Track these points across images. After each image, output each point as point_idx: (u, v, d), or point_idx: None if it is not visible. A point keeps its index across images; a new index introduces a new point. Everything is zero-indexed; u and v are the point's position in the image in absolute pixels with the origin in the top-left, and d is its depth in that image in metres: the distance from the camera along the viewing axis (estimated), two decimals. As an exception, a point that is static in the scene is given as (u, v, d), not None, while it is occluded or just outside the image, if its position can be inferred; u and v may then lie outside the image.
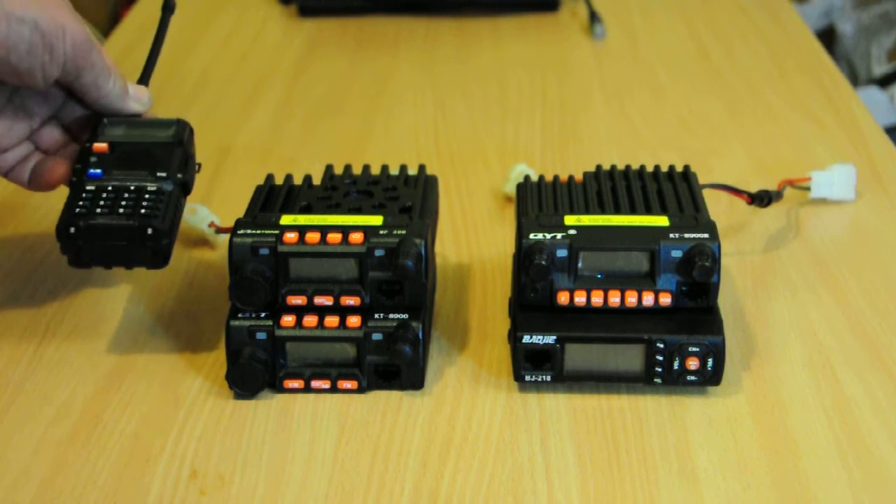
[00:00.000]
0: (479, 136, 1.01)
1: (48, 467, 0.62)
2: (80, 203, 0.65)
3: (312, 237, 0.66)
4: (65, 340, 0.72)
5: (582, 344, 0.65)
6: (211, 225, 0.81)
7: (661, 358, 0.65)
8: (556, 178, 0.75)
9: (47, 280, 0.79)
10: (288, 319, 0.66)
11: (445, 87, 1.12)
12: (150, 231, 0.64)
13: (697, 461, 0.61)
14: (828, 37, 1.89)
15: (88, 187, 0.66)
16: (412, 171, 0.76)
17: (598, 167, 0.76)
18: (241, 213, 0.70)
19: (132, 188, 0.66)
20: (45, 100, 0.71)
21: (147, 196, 0.66)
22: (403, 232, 0.66)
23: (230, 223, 0.68)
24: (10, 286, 0.78)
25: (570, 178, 0.75)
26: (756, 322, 0.73)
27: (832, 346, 0.71)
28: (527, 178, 0.75)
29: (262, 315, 0.66)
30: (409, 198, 0.71)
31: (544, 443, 0.63)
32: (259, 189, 0.73)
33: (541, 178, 0.75)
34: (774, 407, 0.65)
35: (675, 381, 0.66)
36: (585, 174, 0.75)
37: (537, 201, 0.71)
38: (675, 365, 0.65)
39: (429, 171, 0.77)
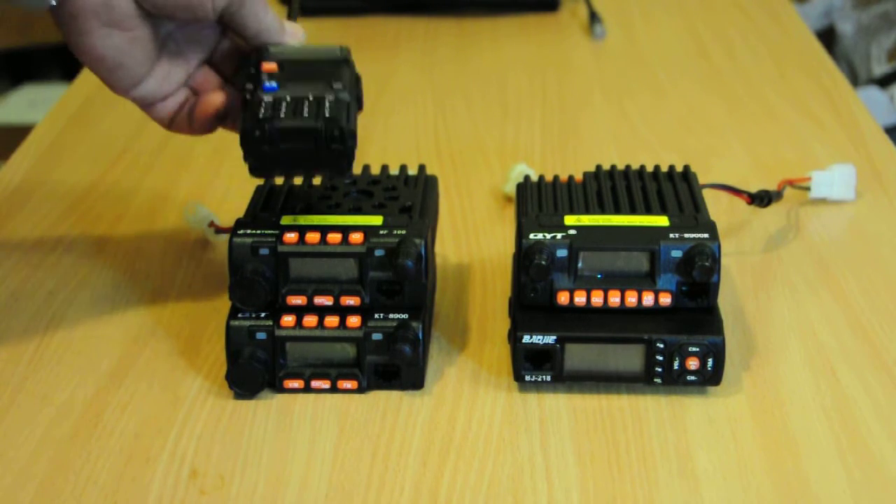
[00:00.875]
0: (479, 136, 1.01)
1: (48, 467, 0.62)
2: (262, 111, 0.63)
3: (312, 237, 0.66)
4: (65, 340, 0.72)
5: (582, 344, 0.65)
6: (211, 225, 0.81)
7: (661, 358, 0.65)
8: (556, 178, 0.75)
9: (47, 280, 0.79)
10: (288, 319, 0.66)
11: (445, 87, 1.12)
12: (336, 132, 0.63)
13: (697, 461, 0.61)
14: (828, 37, 1.89)
15: (266, 99, 0.64)
16: (412, 171, 0.76)
17: (598, 167, 0.76)
18: (241, 213, 0.70)
19: (310, 97, 0.64)
20: (198, 42, 0.70)
21: (328, 103, 0.64)
22: (403, 232, 0.66)
23: (230, 223, 0.68)
24: (10, 286, 0.78)
25: (570, 178, 0.75)
26: (756, 322, 0.73)
27: (832, 346, 0.71)
28: (527, 178, 0.75)
29: (262, 315, 0.66)
30: (409, 198, 0.71)
31: (544, 443, 0.63)
32: (259, 189, 0.73)
33: (541, 178, 0.75)
34: (774, 407, 0.65)
35: (675, 381, 0.66)
36: (585, 174, 0.75)
37: (537, 201, 0.71)
38: (675, 365, 0.65)
39: (429, 171, 0.77)
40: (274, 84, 0.65)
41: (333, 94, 0.65)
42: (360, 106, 0.68)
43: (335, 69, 0.67)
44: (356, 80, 0.68)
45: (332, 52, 0.69)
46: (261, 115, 0.63)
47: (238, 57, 0.71)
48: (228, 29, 0.70)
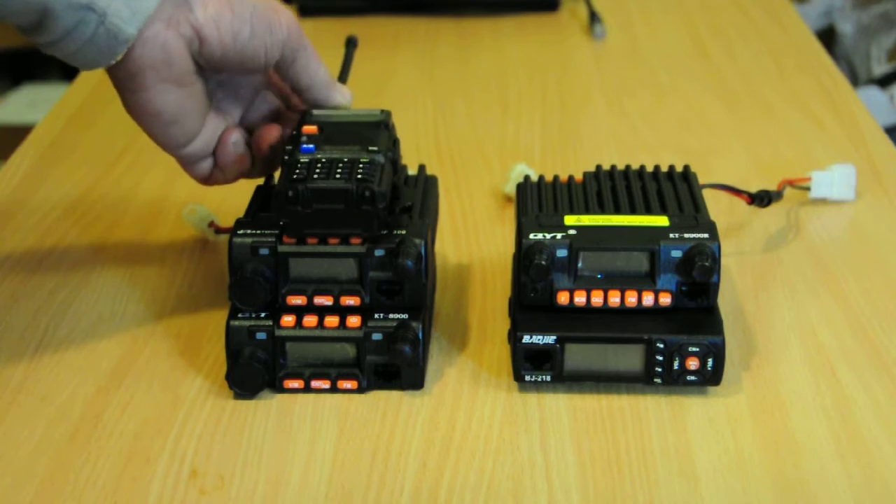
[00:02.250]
0: (479, 136, 1.01)
1: (48, 467, 0.62)
2: (297, 171, 0.65)
3: (312, 237, 0.65)
4: (65, 340, 0.72)
5: (582, 344, 0.65)
6: (211, 225, 0.81)
7: (661, 358, 0.65)
8: (556, 178, 0.75)
9: (47, 280, 0.79)
10: (288, 319, 0.66)
11: (445, 87, 1.12)
12: (367, 193, 0.63)
13: (697, 461, 0.61)
14: (828, 37, 1.90)
15: (302, 160, 0.66)
16: (412, 171, 0.76)
17: (598, 167, 0.76)
18: (241, 213, 0.70)
19: (346, 159, 0.66)
20: (237, 99, 0.72)
21: (361, 165, 0.65)
22: (403, 232, 0.66)
23: (230, 223, 0.68)
24: (10, 286, 0.78)
25: (570, 178, 0.75)
26: (756, 322, 0.73)
27: (832, 346, 0.71)
28: (527, 178, 0.75)
29: (262, 315, 0.66)
30: (409, 198, 0.71)
31: (544, 443, 0.63)
32: (259, 189, 0.73)
33: (541, 178, 0.75)
34: (774, 407, 0.65)
35: (675, 381, 0.66)
36: (585, 174, 0.75)
37: (537, 201, 0.71)
38: (675, 365, 0.65)
39: (429, 171, 0.77)
40: (312, 146, 0.67)
41: (368, 156, 0.66)
42: (395, 169, 0.69)
43: (374, 132, 0.69)
44: (394, 143, 0.70)
45: (372, 115, 0.71)
46: (295, 176, 0.64)
47: (268, 116, 0.73)
48: (279, 84, 0.72)
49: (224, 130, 0.71)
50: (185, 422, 0.65)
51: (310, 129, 0.68)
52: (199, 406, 0.66)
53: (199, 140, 0.69)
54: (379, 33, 1.26)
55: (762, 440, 0.63)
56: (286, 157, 0.66)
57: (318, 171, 0.65)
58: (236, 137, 0.70)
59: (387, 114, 0.71)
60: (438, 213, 0.78)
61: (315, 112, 0.71)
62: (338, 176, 0.64)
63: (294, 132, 0.69)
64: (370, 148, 0.67)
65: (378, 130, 0.69)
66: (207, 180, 0.72)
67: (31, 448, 0.63)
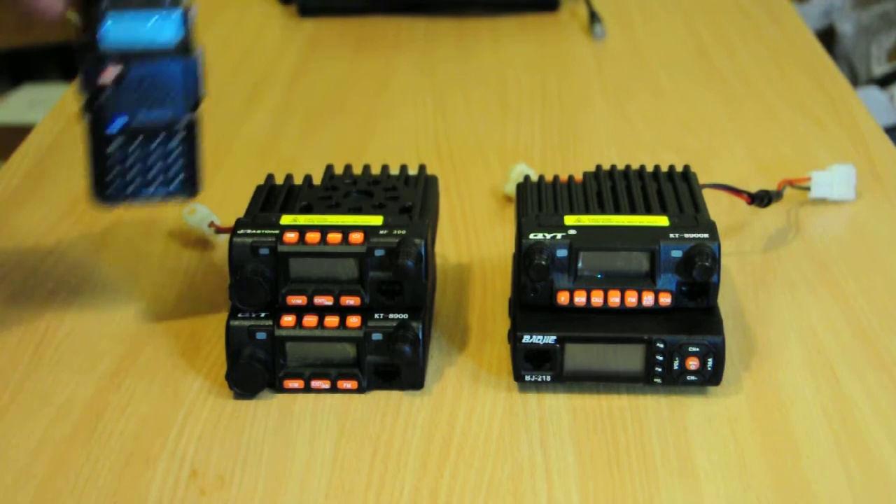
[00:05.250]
0: (479, 136, 1.01)
1: (48, 467, 0.62)
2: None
3: (312, 237, 0.66)
4: (65, 340, 0.72)
5: (582, 344, 0.65)
6: (211, 225, 0.81)
7: (661, 358, 0.65)
8: (556, 178, 0.75)
9: (47, 280, 0.79)
10: (288, 319, 0.66)
11: (445, 87, 1.12)
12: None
13: (697, 461, 0.61)
14: (828, 37, 1.89)
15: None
16: (412, 171, 0.76)
17: (598, 167, 0.76)
18: (241, 213, 0.70)
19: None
20: None
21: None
22: (403, 232, 0.66)
23: (230, 223, 0.68)
24: (10, 286, 0.78)
25: (570, 178, 0.75)
26: (756, 322, 0.73)
27: (832, 346, 0.71)
28: (527, 178, 0.75)
29: (262, 315, 0.66)
30: (409, 198, 0.71)
31: (544, 443, 0.63)
32: (259, 189, 0.73)
33: (541, 178, 0.75)
34: (774, 407, 0.66)
35: (674, 381, 0.66)
36: (585, 174, 0.75)
37: (537, 201, 0.71)
38: (675, 365, 0.65)
39: (429, 171, 0.77)
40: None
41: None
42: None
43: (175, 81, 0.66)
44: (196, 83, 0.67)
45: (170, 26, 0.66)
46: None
47: None
48: None
49: None
50: (185, 422, 0.65)
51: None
52: (199, 406, 0.66)
53: None
54: (379, 33, 1.26)
55: (762, 440, 0.63)
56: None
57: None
58: None
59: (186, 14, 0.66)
60: (438, 213, 0.78)
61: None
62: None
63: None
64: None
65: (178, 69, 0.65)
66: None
67: (31, 448, 0.63)
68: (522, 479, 0.60)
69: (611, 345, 0.65)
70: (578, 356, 0.66)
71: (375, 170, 0.76)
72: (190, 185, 0.68)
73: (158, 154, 0.66)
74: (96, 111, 0.65)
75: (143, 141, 0.65)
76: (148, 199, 0.67)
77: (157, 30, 0.64)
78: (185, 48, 0.65)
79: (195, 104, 0.66)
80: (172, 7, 0.64)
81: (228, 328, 0.66)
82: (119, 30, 0.63)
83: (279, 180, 0.74)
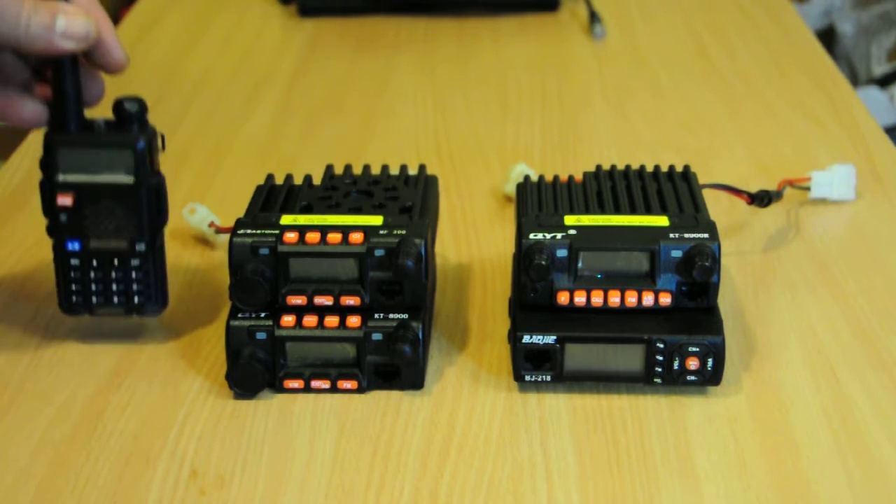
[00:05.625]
0: (479, 136, 1.01)
1: (48, 467, 0.62)
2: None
3: (312, 237, 0.66)
4: (65, 340, 0.72)
5: (582, 344, 0.65)
6: (211, 225, 0.81)
7: (661, 358, 0.65)
8: (556, 178, 0.75)
9: (47, 280, 0.79)
10: (288, 319, 0.66)
11: (445, 87, 1.12)
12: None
13: (697, 461, 0.61)
14: (828, 37, 1.90)
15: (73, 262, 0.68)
16: (412, 171, 0.76)
17: (598, 167, 0.76)
18: (241, 213, 0.70)
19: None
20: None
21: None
22: (403, 232, 0.66)
23: (230, 223, 0.68)
24: (10, 286, 0.78)
25: (570, 178, 0.75)
26: (756, 322, 0.73)
27: (832, 346, 0.71)
28: (527, 178, 0.75)
29: (262, 315, 0.66)
30: (409, 198, 0.71)
31: (544, 443, 0.63)
32: (259, 189, 0.73)
33: (541, 178, 0.75)
34: (774, 407, 0.65)
35: (674, 381, 0.66)
36: (585, 174, 0.75)
37: (537, 201, 0.71)
38: (675, 365, 0.65)
39: (429, 171, 0.77)
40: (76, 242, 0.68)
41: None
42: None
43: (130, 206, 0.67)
44: (157, 197, 0.68)
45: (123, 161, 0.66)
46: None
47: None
48: None
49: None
50: (185, 422, 0.65)
51: (64, 199, 0.66)
52: (199, 406, 0.66)
53: None
54: (379, 33, 1.26)
55: (762, 440, 0.63)
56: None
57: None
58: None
59: (139, 150, 0.66)
60: (438, 213, 0.78)
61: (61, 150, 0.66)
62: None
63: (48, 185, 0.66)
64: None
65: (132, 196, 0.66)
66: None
67: (31, 448, 0.63)
68: (522, 479, 0.60)
69: (611, 345, 0.65)
70: (578, 356, 0.66)
71: (375, 170, 0.76)
72: (153, 303, 0.70)
73: (118, 275, 0.68)
74: (56, 233, 0.67)
75: (102, 262, 0.68)
76: (111, 314, 0.70)
77: (110, 164, 0.66)
78: (139, 181, 0.66)
79: (154, 230, 0.68)
80: (124, 146, 0.66)
81: (228, 328, 0.66)
82: (73, 162, 0.66)
83: (279, 180, 0.74)
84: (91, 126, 0.66)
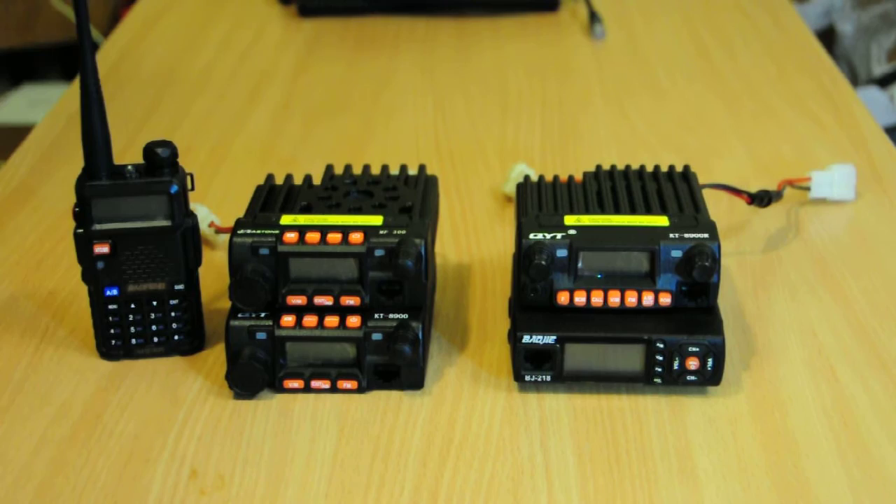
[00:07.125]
0: (479, 136, 1.01)
1: (48, 467, 0.62)
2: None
3: (312, 237, 0.66)
4: (65, 340, 0.72)
5: (582, 344, 0.65)
6: (211, 225, 0.81)
7: (660, 358, 0.65)
8: (556, 178, 0.75)
9: (47, 280, 0.79)
10: (288, 319, 0.66)
11: (445, 87, 1.12)
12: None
13: (697, 461, 0.61)
14: (828, 37, 1.89)
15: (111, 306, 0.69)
16: (412, 171, 0.76)
17: (598, 167, 0.76)
18: (241, 213, 0.70)
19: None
20: None
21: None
22: (403, 232, 0.66)
23: (230, 223, 0.68)
24: (10, 286, 0.78)
25: (570, 178, 0.75)
26: (756, 322, 0.73)
27: (832, 346, 0.71)
28: (527, 178, 0.75)
29: (262, 315, 0.66)
30: (409, 198, 0.71)
31: (544, 443, 0.63)
32: (259, 189, 0.73)
33: (541, 178, 0.75)
34: (774, 407, 0.65)
35: (674, 381, 0.66)
36: (585, 174, 0.75)
37: (537, 201, 0.71)
38: (675, 365, 0.65)
39: (429, 171, 0.77)
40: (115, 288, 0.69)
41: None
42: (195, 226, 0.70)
43: (170, 249, 0.68)
44: (193, 239, 0.69)
45: (161, 206, 0.68)
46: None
47: None
48: None
49: None
50: (185, 422, 0.65)
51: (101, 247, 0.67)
52: (199, 406, 0.66)
53: None
54: (379, 33, 1.26)
55: (762, 440, 0.63)
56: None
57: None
58: None
59: (175, 194, 0.67)
60: (438, 213, 0.78)
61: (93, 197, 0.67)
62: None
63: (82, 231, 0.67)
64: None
65: (173, 238, 0.68)
66: None
67: (31, 448, 0.63)
68: (522, 479, 0.60)
69: (611, 345, 0.65)
70: (578, 356, 0.66)
71: (375, 170, 0.76)
72: (190, 342, 0.70)
73: (157, 316, 0.69)
74: (92, 280, 0.68)
75: (139, 306, 0.69)
76: (151, 355, 0.70)
77: (146, 210, 0.67)
78: (175, 225, 0.67)
79: (190, 271, 0.69)
80: (159, 192, 0.67)
81: (228, 328, 0.66)
82: (108, 211, 0.67)
83: (279, 180, 0.74)
84: (121, 172, 0.67)
